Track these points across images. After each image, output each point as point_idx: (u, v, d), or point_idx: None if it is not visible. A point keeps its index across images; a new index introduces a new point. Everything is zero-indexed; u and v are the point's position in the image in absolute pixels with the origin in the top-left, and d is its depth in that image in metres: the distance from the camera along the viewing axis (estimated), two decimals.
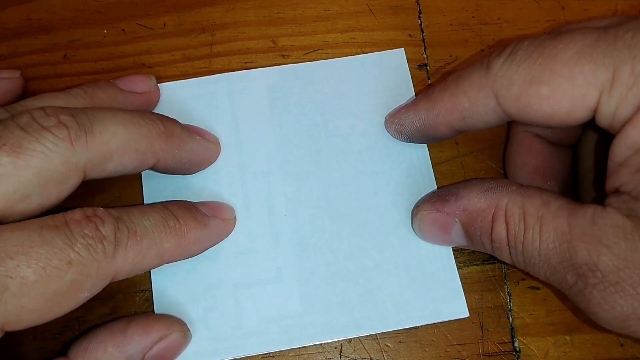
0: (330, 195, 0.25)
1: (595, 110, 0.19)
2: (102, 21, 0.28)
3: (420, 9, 0.29)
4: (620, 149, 0.18)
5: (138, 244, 0.20)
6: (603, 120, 0.19)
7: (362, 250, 0.24)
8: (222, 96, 0.27)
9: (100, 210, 0.20)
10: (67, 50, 0.28)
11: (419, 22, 0.28)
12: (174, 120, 0.23)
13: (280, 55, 0.28)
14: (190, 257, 0.23)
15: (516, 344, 0.24)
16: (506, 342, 0.24)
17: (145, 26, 0.28)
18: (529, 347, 0.24)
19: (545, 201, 0.20)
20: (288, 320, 0.23)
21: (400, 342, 0.23)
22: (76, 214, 0.19)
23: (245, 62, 0.27)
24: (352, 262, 0.24)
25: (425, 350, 0.23)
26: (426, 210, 0.23)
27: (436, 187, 0.25)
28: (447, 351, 0.23)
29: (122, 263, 0.19)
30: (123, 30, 0.28)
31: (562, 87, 0.19)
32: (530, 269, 0.20)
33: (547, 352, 0.23)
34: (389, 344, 0.23)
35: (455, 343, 0.24)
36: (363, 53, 0.28)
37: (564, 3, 0.29)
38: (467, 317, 0.24)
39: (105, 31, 0.28)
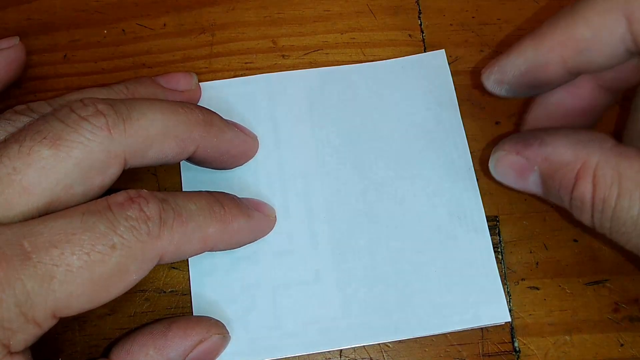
0: (368, 198, 0.25)
1: None
2: (102, 21, 0.28)
3: (420, 9, 0.29)
4: None
5: (183, 226, 0.20)
6: None
7: (400, 253, 0.24)
8: (262, 97, 0.27)
9: (145, 192, 0.20)
10: (67, 50, 0.28)
11: (419, 22, 0.28)
12: (213, 111, 0.23)
13: (280, 55, 0.28)
14: (231, 248, 0.23)
15: (516, 344, 0.24)
16: (506, 342, 0.24)
17: (145, 26, 0.28)
18: (529, 347, 0.24)
19: None
20: (326, 323, 0.23)
21: (400, 341, 0.23)
22: (119, 197, 0.19)
23: (246, 62, 0.28)
24: (390, 266, 0.24)
25: (425, 350, 0.23)
26: (505, 151, 0.21)
27: (478, 189, 0.25)
28: (447, 351, 0.23)
29: (168, 244, 0.19)
30: (123, 30, 0.28)
31: None
32: (615, 236, 0.19)
33: (547, 352, 0.23)
34: (388, 344, 0.23)
35: (455, 343, 0.24)
36: (363, 53, 0.28)
37: (564, 3, 0.29)
38: None
39: (105, 31, 0.28)
